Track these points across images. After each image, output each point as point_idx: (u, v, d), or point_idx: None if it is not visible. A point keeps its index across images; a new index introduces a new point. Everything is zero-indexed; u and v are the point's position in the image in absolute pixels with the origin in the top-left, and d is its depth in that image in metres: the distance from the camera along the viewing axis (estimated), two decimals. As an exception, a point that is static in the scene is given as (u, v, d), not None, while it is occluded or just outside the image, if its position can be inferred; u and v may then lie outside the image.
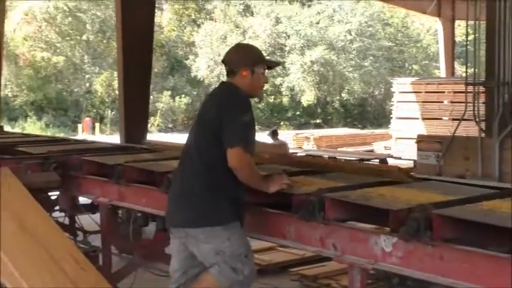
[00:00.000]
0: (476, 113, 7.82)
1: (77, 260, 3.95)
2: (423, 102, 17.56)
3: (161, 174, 4.57)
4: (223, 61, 4.05)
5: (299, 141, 21.22)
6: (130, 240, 5.20)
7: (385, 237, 3.22)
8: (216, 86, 4.23)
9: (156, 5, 33.07)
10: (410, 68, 37.82)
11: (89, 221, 6.30)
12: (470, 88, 7.99)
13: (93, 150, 6.18)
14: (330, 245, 3.53)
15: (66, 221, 6.51)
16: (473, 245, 2.97)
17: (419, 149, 7.99)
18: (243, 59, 3.97)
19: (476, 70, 8.20)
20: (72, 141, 7.75)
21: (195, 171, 3.81)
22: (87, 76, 32.63)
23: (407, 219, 3.09)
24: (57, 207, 6.03)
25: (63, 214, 6.35)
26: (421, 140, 8.15)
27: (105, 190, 5.20)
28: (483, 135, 7.57)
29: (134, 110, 11.39)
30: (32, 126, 27.78)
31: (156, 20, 33.19)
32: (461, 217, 3.02)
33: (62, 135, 24.93)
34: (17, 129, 25.56)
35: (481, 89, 7.97)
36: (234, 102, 3.80)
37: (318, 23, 34.96)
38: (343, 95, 36.32)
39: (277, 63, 4.54)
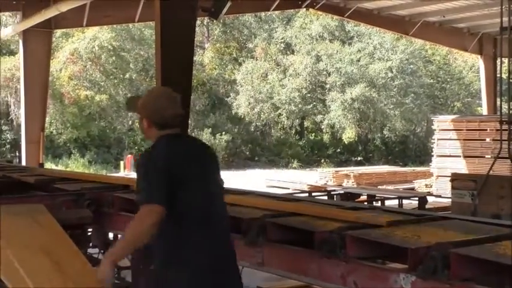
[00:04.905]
0: (511, 151, 7.73)
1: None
2: (464, 140, 17.43)
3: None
4: (178, 115, 3.63)
5: (339, 178, 21.20)
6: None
7: (404, 275, 3.22)
8: (182, 138, 3.75)
9: (198, 44, 34.08)
10: (452, 105, 37.49)
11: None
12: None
13: (125, 187, 6.26)
14: (351, 283, 3.54)
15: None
16: (491, 285, 2.95)
17: (453, 188, 7.89)
18: None
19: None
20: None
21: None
22: (129, 114, 33.12)
23: (426, 258, 3.10)
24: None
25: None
26: (455, 178, 8.04)
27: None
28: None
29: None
30: (75, 163, 28.23)
31: (198, 58, 33.99)
32: (479, 256, 3.01)
33: (104, 172, 25.30)
34: (60, 166, 26.02)
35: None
36: None
37: (358, 60, 35.02)
38: (384, 132, 36.20)
39: None
